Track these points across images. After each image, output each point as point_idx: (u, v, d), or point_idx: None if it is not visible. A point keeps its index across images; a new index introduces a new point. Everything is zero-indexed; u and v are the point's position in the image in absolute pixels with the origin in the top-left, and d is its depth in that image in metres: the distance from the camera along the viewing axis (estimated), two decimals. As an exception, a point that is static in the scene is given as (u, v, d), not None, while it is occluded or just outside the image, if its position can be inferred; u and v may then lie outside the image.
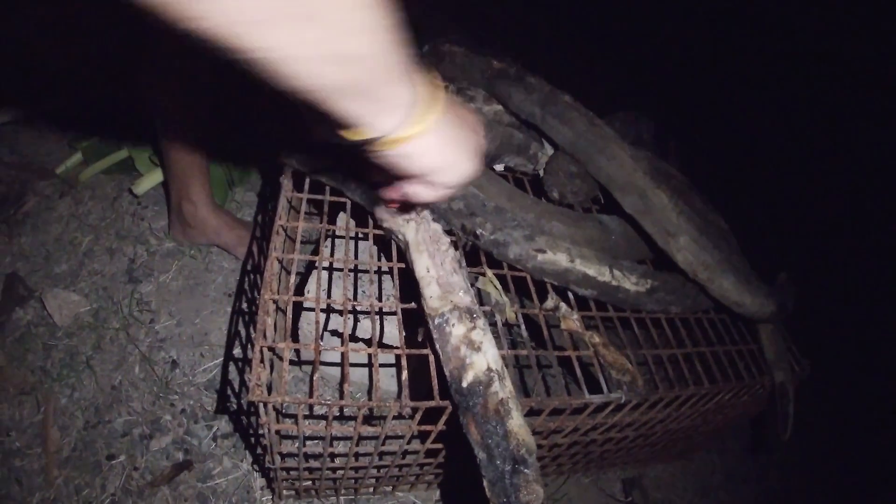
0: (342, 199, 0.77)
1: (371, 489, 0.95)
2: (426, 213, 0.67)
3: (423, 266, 0.62)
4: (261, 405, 0.57)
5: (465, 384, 0.56)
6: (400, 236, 0.67)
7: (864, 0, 2.18)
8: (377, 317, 0.70)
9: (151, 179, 1.21)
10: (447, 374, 0.57)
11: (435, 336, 0.59)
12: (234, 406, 1.01)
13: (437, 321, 0.59)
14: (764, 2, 2.52)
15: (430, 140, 0.48)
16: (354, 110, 0.42)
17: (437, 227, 0.66)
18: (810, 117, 2.38)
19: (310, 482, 0.85)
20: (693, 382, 0.81)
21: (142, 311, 1.09)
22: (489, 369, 0.56)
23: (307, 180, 0.78)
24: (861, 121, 2.27)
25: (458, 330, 0.58)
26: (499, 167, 0.89)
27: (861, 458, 1.65)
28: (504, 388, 0.57)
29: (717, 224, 1.02)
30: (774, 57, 2.50)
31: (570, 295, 0.80)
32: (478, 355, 0.57)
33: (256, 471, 0.95)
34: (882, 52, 2.13)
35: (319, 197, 0.77)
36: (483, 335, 0.58)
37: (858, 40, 2.25)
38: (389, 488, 0.96)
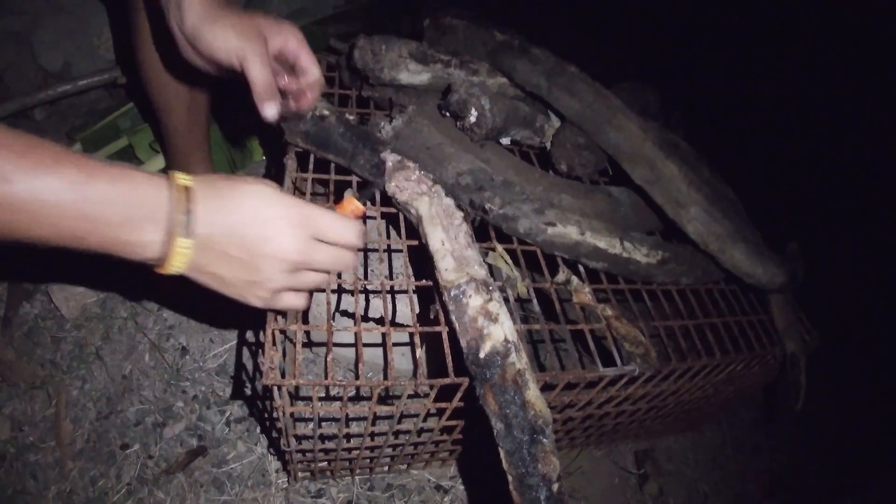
0: (348, 177, 0.76)
1: (386, 468, 0.95)
2: (438, 187, 0.67)
3: (438, 239, 0.62)
4: (275, 388, 0.56)
5: (482, 355, 0.55)
6: (413, 210, 0.66)
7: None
8: (388, 295, 0.70)
9: (152, 166, 1.20)
10: (464, 345, 0.57)
11: (451, 308, 0.58)
12: (250, 391, 1.01)
13: (453, 293, 0.58)
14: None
15: (195, 277, 0.49)
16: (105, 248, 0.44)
17: (450, 202, 0.66)
18: (816, 89, 2.35)
19: (325, 463, 0.85)
20: (705, 353, 0.81)
21: (149, 298, 1.09)
22: (506, 340, 0.56)
23: (312, 159, 0.76)
24: (868, 89, 2.25)
25: (475, 301, 0.57)
26: (505, 141, 0.88)
27: (872, 429, 1.66)
28: (521, 359, 0.57)
29: (726, 194, 1.01)
30: (778, 24, 2.47)
31: (581, 268, 0.79)
32: (495, 326, 0.56)
33: (271, 454, 0.95)
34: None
35: (325, 176, 0.76)
36: (500, 307, 0.58)
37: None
38: (404, 466, 0.97)
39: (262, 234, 0.47)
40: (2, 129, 0.39)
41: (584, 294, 0.75)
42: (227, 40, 0.56)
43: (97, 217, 0.41)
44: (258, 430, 0.98)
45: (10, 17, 1.31)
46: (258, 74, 0.57)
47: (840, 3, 2.25)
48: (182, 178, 0.45)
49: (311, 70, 0.62)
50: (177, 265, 0.46)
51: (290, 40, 0.60)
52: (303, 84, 0.64)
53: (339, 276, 0.65)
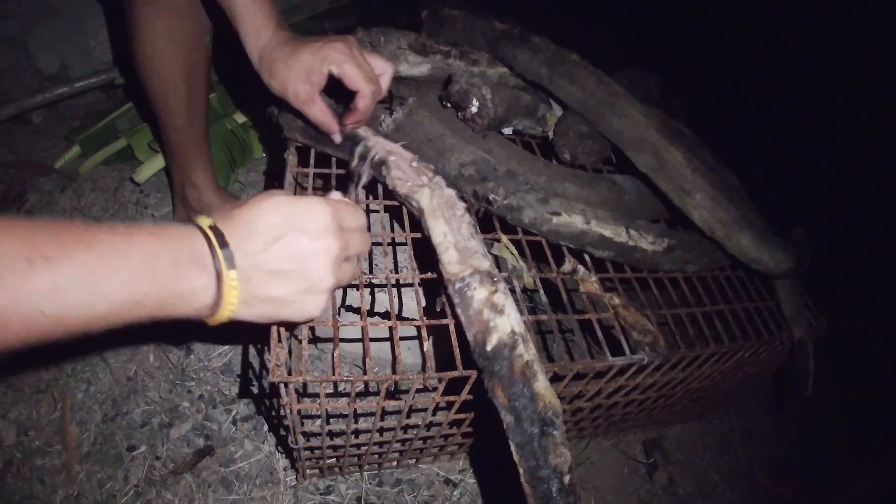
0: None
1: (395, 463, 0.95)
2: (439, 178, 0.66)
3: (440, 232, 0.61)
4: (282, 386, 0.56)
5: (489, 348, 0.55)
6: (414, 203, 0.65)
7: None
8: (394, 289, 0.69)
9: (152, 166, 1.19)
10: (470, 338, 0.56)
11: (456, 301, 0.58)
12: (256, 389, 1.00)
13: (457, 286, 0.57)
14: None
15: (250, 312, 0.48)
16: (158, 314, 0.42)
17: (452, 193, 0.65)
18: (818, 74, 2.34)
19: (333, 459, 0.85)
20: (713, 341, 0.80)
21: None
22: (513, 332, 0.55)
23: (312, 154, 0.76)
24: (873, 73, 2.23)
25: (479, 293, 0.56)
26: (507, 131, 0.87)
27: (879, 413, 1.65)
28: (529, 351, 0.56)
29: (730, 181, 1.00)
30: (779, 10, 2.45)
31: (587, 257, 0.79)
32: (501, 318, 0.55)
33: (279, 452, 0.94)
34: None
35: (326, 171, 0.75)
36: (505, 298, 0.57)
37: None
38: (413, 461, 0.96)
39: (299, 239, 0.47)
40: (21, 219, 0.36)
41: (590, 283, 0.74)
42: (277, 88, 0.66)
43: (150, 273, 0.40)
44: (265, 428, 0.97)
45: (6, 21, 1.30)
46: (312, 117, 0.68)
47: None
48: (204, 220, 0.45)
49: (359, 89, 0.66)
50: (231, 302, 0.45)
51: (332, 67, 0.64)
52: (356, 102, 0.68)
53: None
